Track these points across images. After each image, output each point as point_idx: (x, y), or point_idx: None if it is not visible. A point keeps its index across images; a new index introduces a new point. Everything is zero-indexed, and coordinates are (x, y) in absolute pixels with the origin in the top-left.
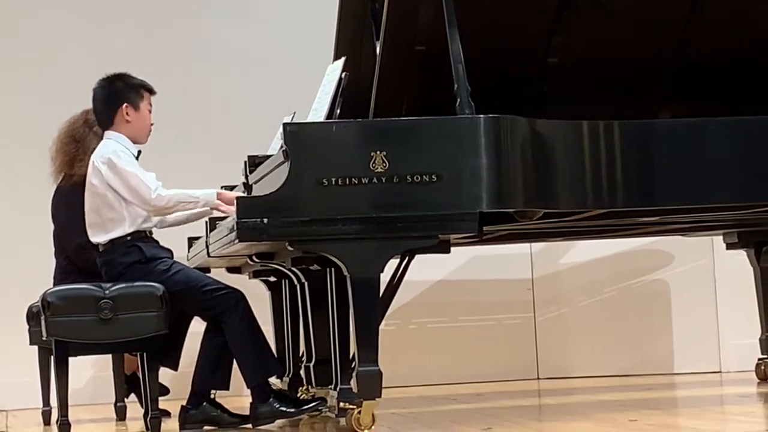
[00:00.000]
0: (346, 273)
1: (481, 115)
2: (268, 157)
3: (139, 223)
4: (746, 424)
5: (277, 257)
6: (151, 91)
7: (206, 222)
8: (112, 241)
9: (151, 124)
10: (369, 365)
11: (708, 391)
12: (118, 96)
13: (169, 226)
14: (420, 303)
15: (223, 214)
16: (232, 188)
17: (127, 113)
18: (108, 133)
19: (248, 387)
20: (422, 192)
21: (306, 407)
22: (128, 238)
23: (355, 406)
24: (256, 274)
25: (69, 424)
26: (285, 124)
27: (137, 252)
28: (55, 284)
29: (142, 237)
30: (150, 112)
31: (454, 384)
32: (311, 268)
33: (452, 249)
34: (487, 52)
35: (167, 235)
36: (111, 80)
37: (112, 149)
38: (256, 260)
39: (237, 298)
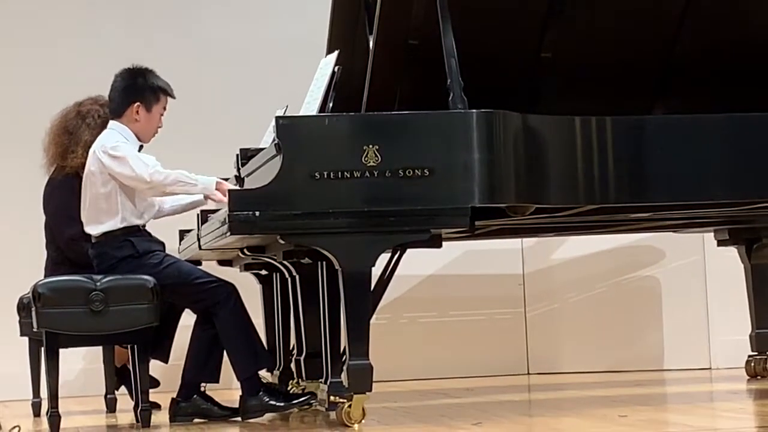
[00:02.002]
0: (337, 267)
1: (474, 110)
2: (261, 150)
3: (131, 219)
4: (736, 420)
5: (268, 250)
6: (171, 95)
7: (198, 215)
8: (104, 234)
9: (159, 127)
10: (360, 359)
11: (698, 387)
12: (134, 92)
13: (165, 215)
14: (411, 297)
15: (216, 206)
16: (224, 181)
17: (137, 112)
18: (113, 123)
19: (238, 379)
20: (414, 186)
21: (296, 401)
22: (120, 232)
23: (345, 400)
24: (247, 267)
25: (59, 416)
26: (277, 118)
27: (129, 247)
28: (46, 276)
29: (135, 231)
30: (162, 115)
31: (445, 378)
32: (302, 261)
33: (444, 243)
34: (480, 46)
35: (159, 228)
36: (134, 74)
37: (113, 140)
38: (248, 253)
39: (228, 290)
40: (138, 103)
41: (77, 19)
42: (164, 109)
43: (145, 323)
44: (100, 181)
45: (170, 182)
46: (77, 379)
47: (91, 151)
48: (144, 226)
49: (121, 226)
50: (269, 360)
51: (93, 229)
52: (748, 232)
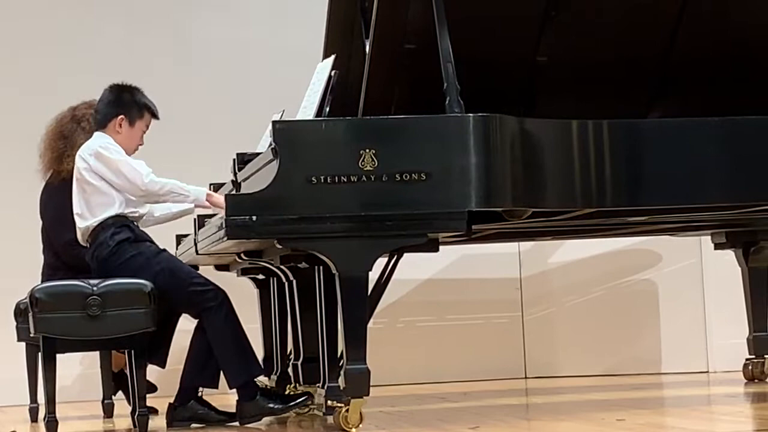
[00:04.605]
0: (334, 271)
1: (470, 114)
2: (257, 154)
3: (128, 205)
4: (733, 423)
5: (265, 255)
6: (154, 116)
7: (194, 219)
8: (101, 223)
9: (140, 144)
10: (357, 363)
11: (695, 390)
12: (120, 106)
13: (153, 224)
14: (408, 301)
15: (213, 211)
16: (220, 186)
17: (119, 125)
18: (97, 134)
19: (230, 388)
20: (411, 190)
21: (293, 403)
22: (116, 219)
23: (342, 405)
24: (244, 272)
25: (56, 421)
26: (274, 122)
27: (127, 231)
28: (42, 281)
29: (130, 222)
30: (144, 132)
31: (442, 382)
32: (299, 266)
33: (441, 247)
34: (477, 50)
35: (155, 232)
36: (122, 89)
37: (99, 143)
38: (245, 258)
39: (221, 297)
40: (122, 116)
41: (74, 22)
42: (147, 127)
43: (142, 328)
44: (91, 178)
45: (164, 192)
46: (74, 384)
47: (77, 156)
48: (138, 225)
49: (119, 212)
50: (261, 368)
51: (89, 221)
52: (746, 235)
